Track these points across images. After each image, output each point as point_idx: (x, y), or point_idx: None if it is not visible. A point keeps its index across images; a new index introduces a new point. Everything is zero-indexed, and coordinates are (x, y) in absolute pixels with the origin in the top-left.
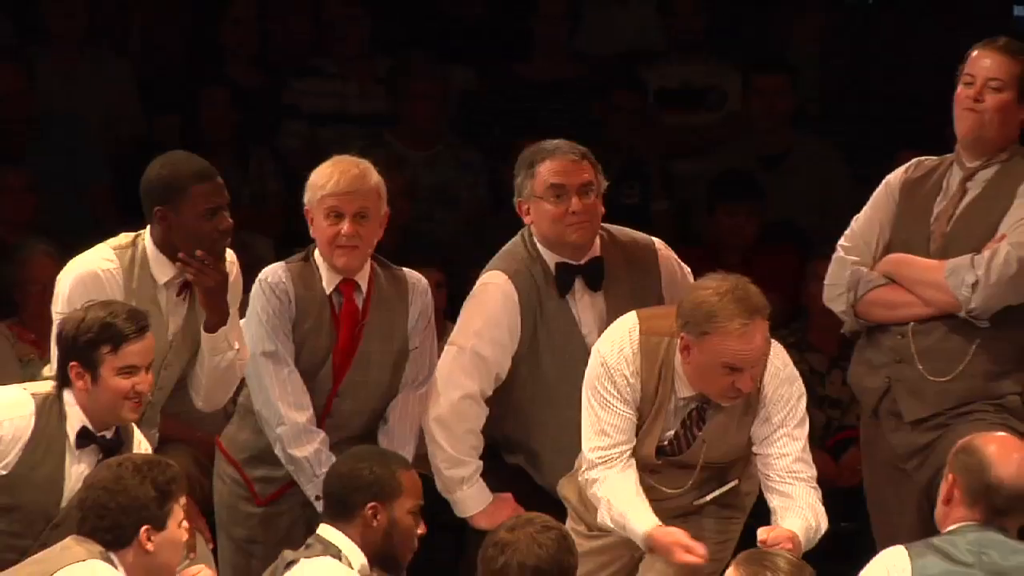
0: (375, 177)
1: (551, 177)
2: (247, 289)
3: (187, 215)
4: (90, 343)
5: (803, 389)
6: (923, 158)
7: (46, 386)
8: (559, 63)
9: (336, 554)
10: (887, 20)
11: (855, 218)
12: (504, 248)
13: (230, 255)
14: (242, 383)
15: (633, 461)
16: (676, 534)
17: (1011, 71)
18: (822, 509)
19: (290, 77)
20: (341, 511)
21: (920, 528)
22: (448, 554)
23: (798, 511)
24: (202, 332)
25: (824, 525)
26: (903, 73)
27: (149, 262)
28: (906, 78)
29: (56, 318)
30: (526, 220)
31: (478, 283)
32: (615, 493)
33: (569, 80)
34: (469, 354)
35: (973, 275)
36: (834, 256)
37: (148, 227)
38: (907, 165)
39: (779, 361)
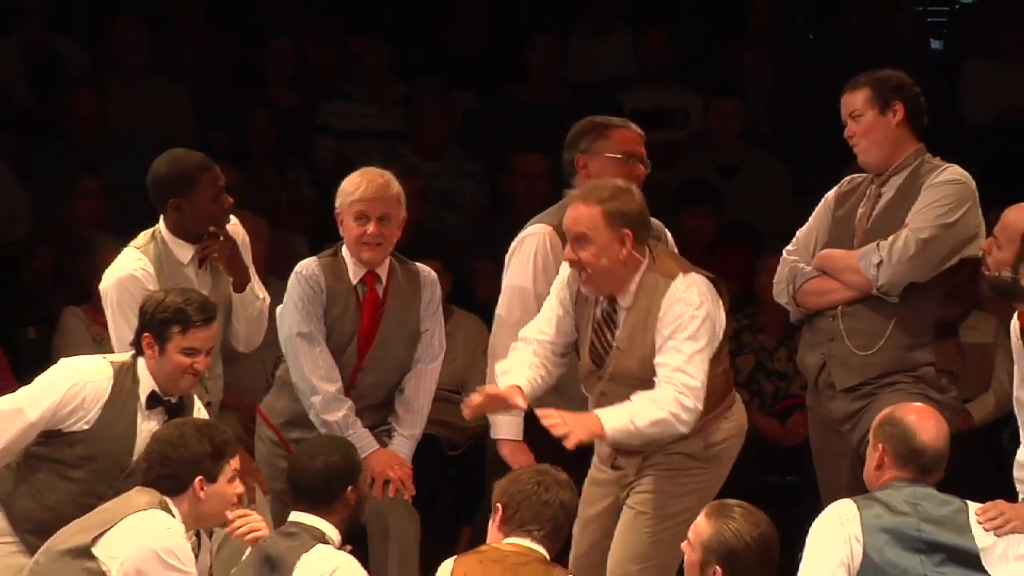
0: (397, 187)
1: (628, 144)
2: (285, 276)
3: (198, 201)
4: (164, 321)
5: (703, 314)
6: (853, 176)
7: (124, 356)
8: (548, 88)
9: (321, 537)
10: (825, 53)
11: (801, 228)
12: (545, 212)
13: (234, 221)
14: (280, 358)
15: (545, 355)
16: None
17: (862, 97)
18: (665, 413)
19: (322, 100)
20: (322, 499)
21: (853, 479)
22: (448, 517)
23: (628, 406)
24: (232, 293)
25: (647, 431)
26: (839, 98)
27: (170, 248)
28: (840, 101)
29: (109, 320)
30: (581, 172)
31: (522, 235)
32: (513, 357)
33: (557, 103)
34: (531, 293)
35: (878, 256)
36: (781, 259)
37: (161, 219)
38: (841, 183)
39: (682, 286)
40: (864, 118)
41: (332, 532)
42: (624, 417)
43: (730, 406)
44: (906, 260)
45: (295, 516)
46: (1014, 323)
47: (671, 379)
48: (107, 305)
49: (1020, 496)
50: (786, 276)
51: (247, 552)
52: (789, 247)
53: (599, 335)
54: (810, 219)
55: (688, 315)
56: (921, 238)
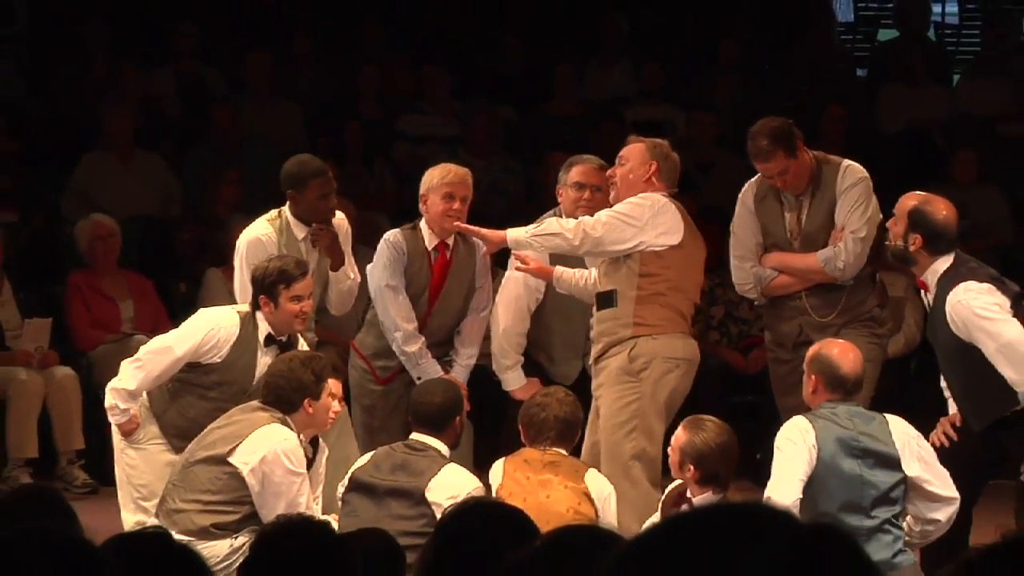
0: (471, 178)
1: (576, 176)
2: (372, 245)
3: (307, 198)
4: (272, 283)
5: (638, 202)
6: (757, 180)
7: (246, 308)
8: (570, 104)
9: (441, 453)
10: (777, 79)
11: (732, 231)
12: (542, 217)
13: (341, 216)
14: (369, 303)
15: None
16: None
17: (779, 159)
18: (551, 220)
19: (400, 113)
20: (441, 426)
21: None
22: (493, 426)
23: (532, 226)
24: (329, 272)
25: (536, 232)
26: (787, 113)
27: (291, 226)
28: (788, 116)
29: (236, 267)
30: (559, 199)
31: None
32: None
33: (577, 116)
34: (523, 283)
35: (841, 261)
36: (734, 264)
37: (288, 202)
38: (750, 188)
39: (645, 194)
40: (789, 170)
41: (445, 449)
42: (522, 231)
43: (661, 332)
44: (857, 256)
45: (418, 436)
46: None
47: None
48: (236, 255)
49: (949, 402)
50: (751, 280)
51: (369, 455)
52: (739, 253)
53: None
54: (738, 226)
55: (633, 200)
56: (860, 237)
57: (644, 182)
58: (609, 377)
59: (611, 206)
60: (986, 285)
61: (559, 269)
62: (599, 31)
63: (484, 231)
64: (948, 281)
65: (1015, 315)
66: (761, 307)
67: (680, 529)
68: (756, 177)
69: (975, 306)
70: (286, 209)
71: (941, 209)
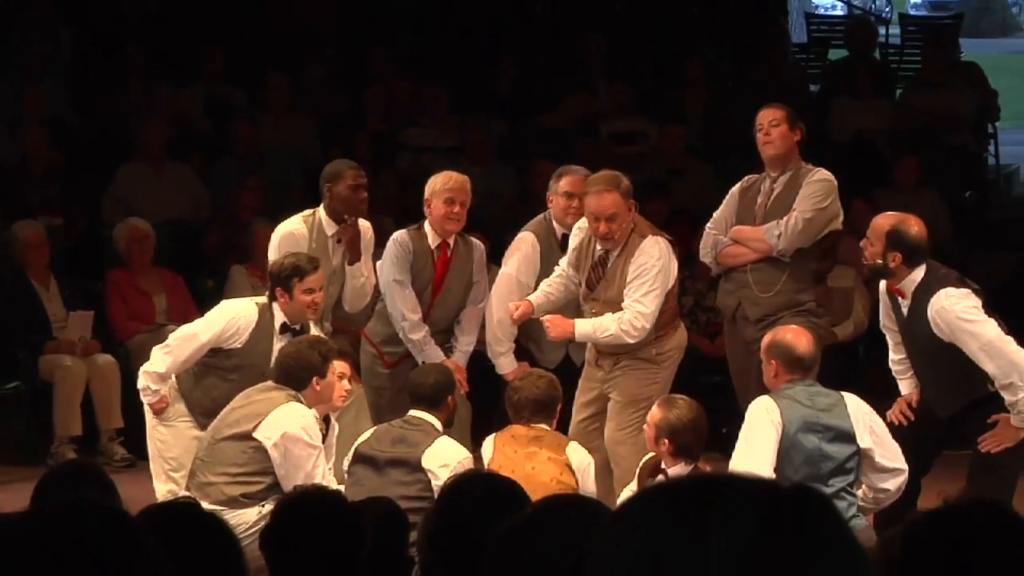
0: (469, 185)
1: (566, 186)
2: (380, 244)
3: (342, 188)
4: (287, 276)
5: (660, 265)
6: (749, 176)
7: (263, 299)
8: (557, 118)
9: (436, 428)
10: (739, 94)
11: (716, 211)
12: (532, 220)
13: (367, 224)
14: (378, 297)
15: (563, 280)
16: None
17: (779, 112)
18: (615, 328)
19: (404, 127)
20: (435, 403)
21: (758, 383)
22: (488, 405)
23: (596, 320)
24: (345, 266)
25: (602, 337)
26: (751, 125)
27: (322, 222)
28: (750, 127)
29: (271, 258)
30: (549, 205)
31: (516, 238)
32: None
33: (562, 129)
34: (515, 279)
35: (778, 231)
36: (704, 232)
37: (322, 203)
38: (742, 181)
39: (648, 246)
40: (780, 127)
41: (438, 424)
42: (589, 327)
43: (674, 329)
44: (797, 233)
45: (415, 413)
46: (883, 285)
47: (630, 306)
48: (269, 249)
49: (900, 383)
50: (710, 244)
51: (371, 431)
52: (710, 224)
53: (595, 271)
54: (723, 205)
55: (649, 264)
56: (806, 218)
57: (631, 219)
58: (632, 361)
59: (615, 250)
60: (964, 290)
61: (536, 302)
62: (579, 52)
63: (557, 320)
64: (926, 289)
65: (987, 314)
66: (715, 278)
67: (664, 496)
68: (745, 177)
69: (958, 311)
70: (320, 209)
71: (913, 226)
